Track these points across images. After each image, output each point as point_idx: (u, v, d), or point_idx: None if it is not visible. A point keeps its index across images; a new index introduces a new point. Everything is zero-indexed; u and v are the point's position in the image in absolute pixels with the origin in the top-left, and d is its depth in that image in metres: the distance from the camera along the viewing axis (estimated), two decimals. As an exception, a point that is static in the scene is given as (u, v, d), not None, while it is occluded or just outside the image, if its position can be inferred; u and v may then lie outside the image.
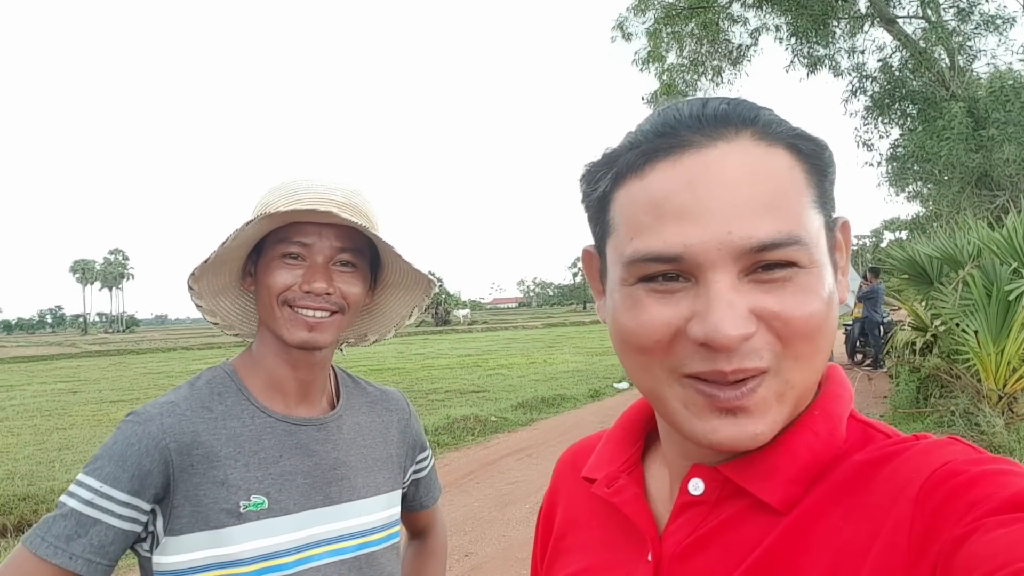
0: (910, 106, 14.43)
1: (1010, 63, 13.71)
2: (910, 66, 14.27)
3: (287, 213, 0.97)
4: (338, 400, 1.13)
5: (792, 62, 15.08)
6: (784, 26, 14.76)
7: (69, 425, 9.72)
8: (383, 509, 1.11)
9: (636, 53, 15.98)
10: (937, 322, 8.42)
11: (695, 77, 15.92)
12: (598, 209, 0.54)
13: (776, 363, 0.47)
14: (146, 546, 0.96)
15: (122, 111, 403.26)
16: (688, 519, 0.54)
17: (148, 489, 0.93)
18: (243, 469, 0.98)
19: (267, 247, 1.03)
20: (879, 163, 15.39)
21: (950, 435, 0.50)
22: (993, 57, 13.69)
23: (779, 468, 0.50)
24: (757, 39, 15.71)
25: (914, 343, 9.33)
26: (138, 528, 0.94)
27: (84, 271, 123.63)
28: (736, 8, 15.32)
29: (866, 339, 12.50)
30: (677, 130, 0.49)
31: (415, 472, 1.23)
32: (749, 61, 16.02)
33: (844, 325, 12.97)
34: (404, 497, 1.21)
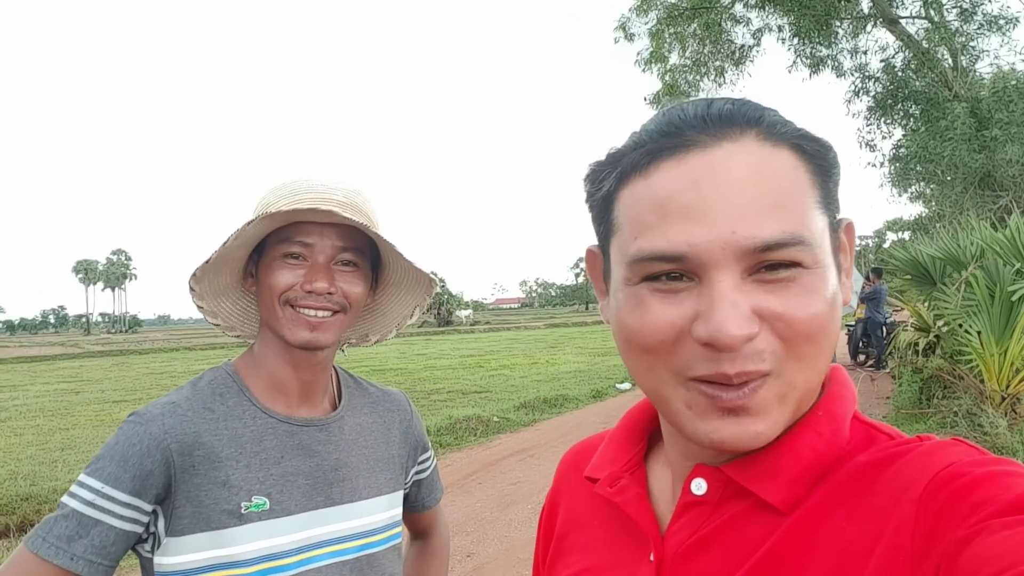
0: (913, 107, 14.39)
1: (1013, 63, 13.73)
2: (913, 66, 14.23)
3: (288, 213, 0.97)
4: (340, 401, 1.13)
5: (795, 63, 15.05)
6: (787, 26, 14.74)
7: (72, 425, 9.73)
8: (385, 510, 1.11)
9: (639, 54, 15.93)
10: (940, 323, 8.41)
11: (698, 78, 15.88)
12: (602, 208, 0.54)
13: (778, 365, 0.47)
14: (147, 547, 0.96)
15: (125, 111, 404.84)
16: (691, 519, 0.54)
17: (149, 490, 0.93)
18: (245, 470, 0.98)
19: (268, 247, 1.03)
20: (882, 164, 15.35)
21: (953, 436, 0.49)
22: (996, 57, 13.68)
23: (782, 468, 0.50)
24: (760, 39, 15.69)
25: (917, 344, 9.32)
26: (139, 529, 0.94)
27: (87, 271, 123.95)
28: (739, 8, 15.29)
29: (869, 340, 12.48)
30: (682, 130, 0.49)
31: (417, 473, 1.23)
32: (752, 62, 16.01)
33: (847, 326, 12.95)
34: (406, 498, 1.21)
